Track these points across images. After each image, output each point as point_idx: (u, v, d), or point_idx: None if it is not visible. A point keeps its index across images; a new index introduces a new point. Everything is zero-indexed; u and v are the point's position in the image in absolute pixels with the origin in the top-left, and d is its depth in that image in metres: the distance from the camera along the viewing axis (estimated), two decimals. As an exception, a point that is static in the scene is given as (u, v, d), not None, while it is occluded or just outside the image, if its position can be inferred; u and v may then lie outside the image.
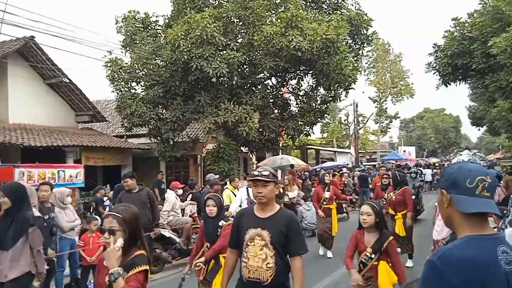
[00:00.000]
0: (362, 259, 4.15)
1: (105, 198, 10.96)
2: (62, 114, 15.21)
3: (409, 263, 7.99)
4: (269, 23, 13.76)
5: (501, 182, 8.75)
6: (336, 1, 16.24)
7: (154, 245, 8.31)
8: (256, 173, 3.24)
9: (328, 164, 26.55)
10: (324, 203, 9.18)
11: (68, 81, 14.40)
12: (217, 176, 11.87)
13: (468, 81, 17.71)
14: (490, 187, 1.68)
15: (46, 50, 13.68)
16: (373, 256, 4.09)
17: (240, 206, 8.56)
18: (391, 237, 4.16)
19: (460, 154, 42.97)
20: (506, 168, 28.32)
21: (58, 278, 6.89)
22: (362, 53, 18.90)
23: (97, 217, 8.30)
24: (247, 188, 8.90)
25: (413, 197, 12.95)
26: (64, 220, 7.00)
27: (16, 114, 13.17)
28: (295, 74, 15.89)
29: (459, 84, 16.05)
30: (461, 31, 14.36)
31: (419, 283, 1.68)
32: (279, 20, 13.50)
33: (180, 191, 10.48)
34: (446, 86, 15.99)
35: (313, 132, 17.91)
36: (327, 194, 9.21)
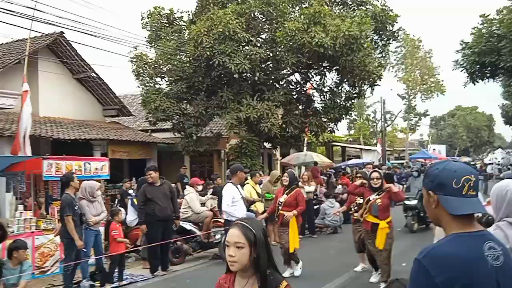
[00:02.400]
0: None
1: (130, 191, 11.35)
2: (90, 108, 15.64)
3: (374, 277, 6.94)
4: (292, 19, 13.76)
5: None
6: (361, -3, 16.02)
7: (175, 237, 8.52)
8: None
9: (354, 161, 26.30)
10: (280, 207, 7.37)
11: (95, 76, 14.79)
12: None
13: (498, 79, 17.28)
14: (475, 185, 1.71)
15: (74, 46, 14.09)
16: None
17: (233, 204, 7.38)
18: (285, 283, 2.12)
19: (493, 153, 41.80)
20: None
21: (84, 266, 7.16)
22: (389, 49, 18.60)
23: (121, 208, 8.62)
24: (235, 185, 7.53)
25: (415, 201, 11.26)
26: (91, 213, 7.17)
27: (46, 108, 13.62)
28: (319, 71, 15.82)
29: (487, 82, 15.69)
30: (489, 28, 14.01)
31: (409, 282, 1.71)
32: (302, 16, 13.49)
33: (200, 187, 10.69)
34: (474, 84, 15.66)
35: (337, 129, 17.75)
36: (282, 198, 7.43)
